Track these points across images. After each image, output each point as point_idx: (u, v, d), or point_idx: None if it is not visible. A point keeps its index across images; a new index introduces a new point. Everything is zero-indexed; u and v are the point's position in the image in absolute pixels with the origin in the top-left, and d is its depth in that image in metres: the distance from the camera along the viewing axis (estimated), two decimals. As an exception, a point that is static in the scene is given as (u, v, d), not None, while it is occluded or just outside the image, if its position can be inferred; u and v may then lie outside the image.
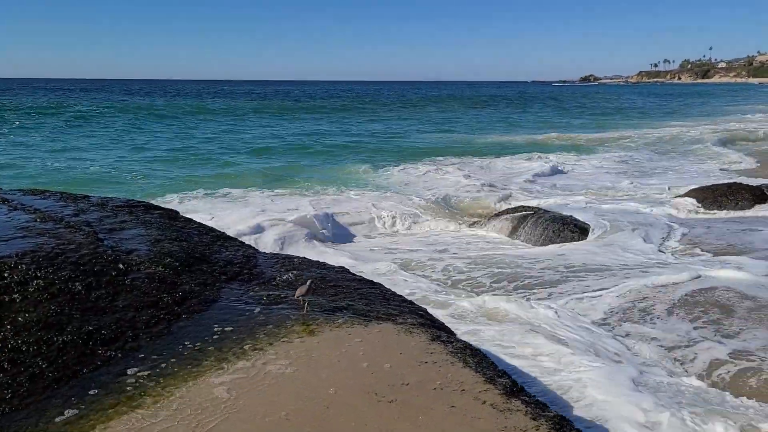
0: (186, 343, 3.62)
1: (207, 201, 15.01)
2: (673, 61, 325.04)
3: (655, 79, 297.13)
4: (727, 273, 8.10)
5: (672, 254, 9.55)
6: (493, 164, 22.04)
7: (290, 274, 5.34)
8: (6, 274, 3.72)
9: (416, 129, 38.52)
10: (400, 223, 12.78)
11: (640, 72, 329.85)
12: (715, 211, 12.40)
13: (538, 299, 7.54)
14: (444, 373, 3.22)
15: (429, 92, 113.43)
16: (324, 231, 11.83)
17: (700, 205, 12.71)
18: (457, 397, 2.97)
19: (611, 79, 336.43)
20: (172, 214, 6.54)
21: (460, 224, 12.85)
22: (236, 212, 12.83)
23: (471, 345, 3.69)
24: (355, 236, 12.23)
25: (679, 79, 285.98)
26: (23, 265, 3.86)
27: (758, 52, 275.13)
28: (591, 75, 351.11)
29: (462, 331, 5.60)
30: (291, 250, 9.79)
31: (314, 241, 11.20)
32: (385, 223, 12.81)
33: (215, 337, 3.73)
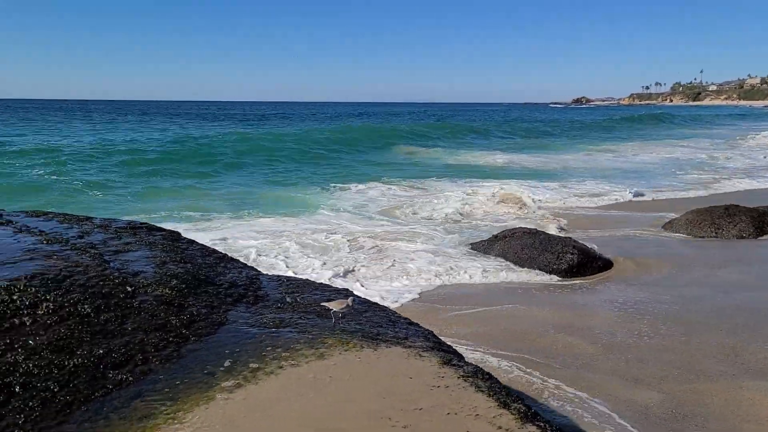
0: (196, 366, 3.62)
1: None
2: (665, 84, 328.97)
3: (647, 101, 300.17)
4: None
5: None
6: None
7: (295, 297, 5.36)
8: (16, 297, 3.71)
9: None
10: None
11: (632, 94, 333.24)
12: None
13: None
14: (457, 397, 3.23)
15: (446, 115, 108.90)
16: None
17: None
18: (472, 423, 2.98)
19: (603, 101, 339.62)
20: (175, 236, 6.56)
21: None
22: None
23: (482, 369, 3.70)
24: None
25: (671, 101, 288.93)
26: (32, 288, 3.85)
27: (749, 75, 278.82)
28: (583, 97, 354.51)
29: None
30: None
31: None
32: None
33: (225, 360, 3.72)
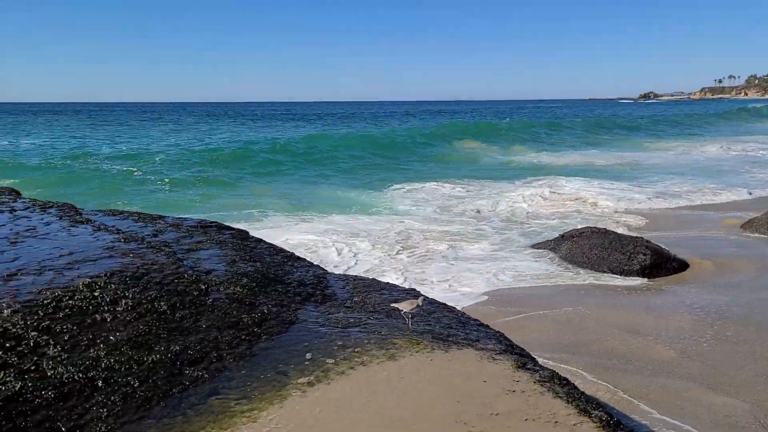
0: (269, 365, 3.64)
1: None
2: (739, 77, 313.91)
3: (720, 95, 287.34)
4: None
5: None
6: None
7: (362, 296, 5.34)
8: (97, 293, 3.83)
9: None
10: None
11: (703, 88, 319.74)
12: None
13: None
14: (534, 403, 3.12)
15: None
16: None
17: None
18: (551, 430, 2.87)
19: (672, 95, 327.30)
20: (243, 234, 6.66)
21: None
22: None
23: (558, 374, 3.57)
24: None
25: (746, 95, 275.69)
26: (112, 285, 3.96)
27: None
28: (651, 92, 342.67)
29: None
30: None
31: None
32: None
33: (296, 359, 3.73)
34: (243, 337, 4.00)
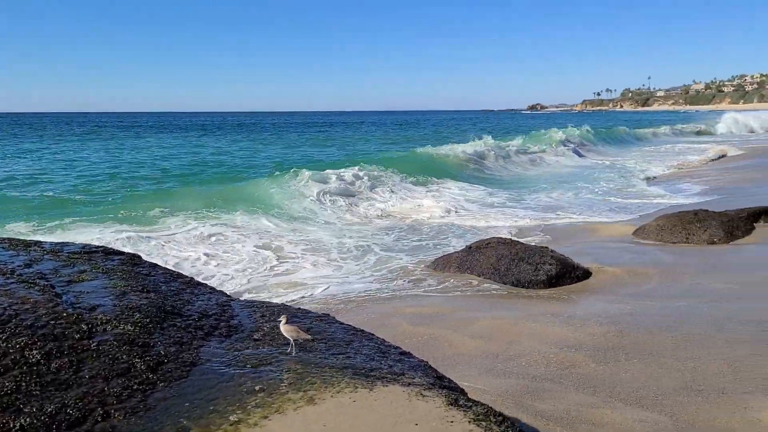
0: (167, 420, 3.13)
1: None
2: (615, 90, 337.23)
3: (599, 107, 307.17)
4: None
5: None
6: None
7: (272, 326, 4.88)
8: (-51, 346, 3.17)
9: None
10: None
11: (584, 101, 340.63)
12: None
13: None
14: (473, 448, 2.83)
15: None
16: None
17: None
18: (497, 482, 2.58)
19: (557, 107, 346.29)
20: (135, 260, 6.00)
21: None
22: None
23: (493, 409, 3.30)
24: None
25: (621, 107, 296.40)
26: (-30, 334, 3.30)
27: (693, 80, 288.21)
28: (538, 104, 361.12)
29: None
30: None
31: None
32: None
33: (200, 410, 3.24)
34: (135, 386, 3.44)
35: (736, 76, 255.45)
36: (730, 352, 6.24)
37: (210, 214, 16.97)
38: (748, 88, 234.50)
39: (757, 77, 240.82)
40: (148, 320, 4.25)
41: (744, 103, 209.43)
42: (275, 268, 11.99)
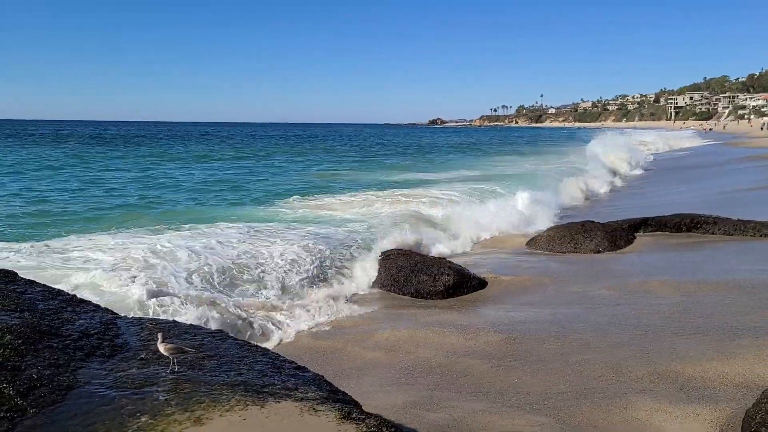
0: (37, 450, 2.90)
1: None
2: (510, 107, 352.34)
3: (495, 123, 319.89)
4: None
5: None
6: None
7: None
8: None
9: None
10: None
11: (482, 116, 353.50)
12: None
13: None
14: (365, 462, 2.81)
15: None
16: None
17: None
18: (387, 495, 2.57)
19: (456, 122, 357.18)
20: (10, 277, 5.57)
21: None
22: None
23: (386, 420, 3.30)
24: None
25: (516, 123, 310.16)
26: None
27: (581, 99, 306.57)
28: (438, 118, 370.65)
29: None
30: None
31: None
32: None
33: (75, 437, 3.03)
34: (3, 414, 3.18)
35: (619, 95, 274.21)
36: (611, 355, 6.63)
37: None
38: (630, 107, 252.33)
39: (637, 97, 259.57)
40: (20, 341, 3.96)
41: (626, 121, 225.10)
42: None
